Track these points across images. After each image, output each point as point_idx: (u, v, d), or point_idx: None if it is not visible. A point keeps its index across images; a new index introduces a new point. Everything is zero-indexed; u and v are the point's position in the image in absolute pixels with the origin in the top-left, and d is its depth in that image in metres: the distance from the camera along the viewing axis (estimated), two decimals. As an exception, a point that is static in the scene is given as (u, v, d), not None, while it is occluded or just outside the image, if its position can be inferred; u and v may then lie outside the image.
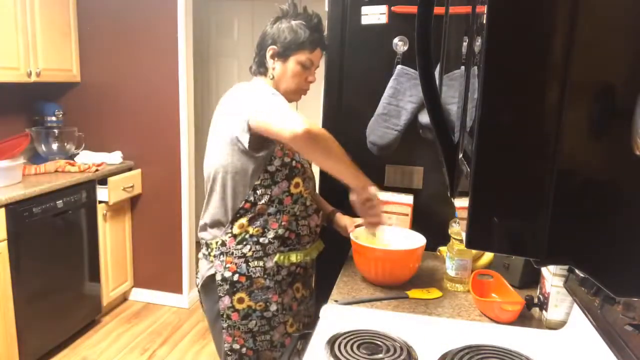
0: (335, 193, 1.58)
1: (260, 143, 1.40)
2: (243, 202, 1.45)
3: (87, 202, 2.95)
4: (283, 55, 1.50)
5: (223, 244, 1.47)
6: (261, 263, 1.46)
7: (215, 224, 1.50)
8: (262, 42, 1.55)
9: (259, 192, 1.44)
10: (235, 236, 1.46)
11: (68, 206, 2.79)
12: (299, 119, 1.29)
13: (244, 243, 1.46)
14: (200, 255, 1.57)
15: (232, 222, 1.46)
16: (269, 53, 1.52)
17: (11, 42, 2.69)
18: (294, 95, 1.57)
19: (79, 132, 3.29)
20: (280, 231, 1.47)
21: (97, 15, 3.24)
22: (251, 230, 1.46)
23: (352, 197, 1.43)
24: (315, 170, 1.64)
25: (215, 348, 1.60)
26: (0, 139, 2.81)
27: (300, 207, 1.51)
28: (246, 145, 1.39)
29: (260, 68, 1.56)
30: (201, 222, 1.55)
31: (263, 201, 1.44)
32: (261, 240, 1.46)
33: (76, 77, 3.28)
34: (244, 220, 1.45)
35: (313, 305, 1.67)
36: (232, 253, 1.46)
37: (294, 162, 1.48)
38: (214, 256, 1.48)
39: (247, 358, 1.50)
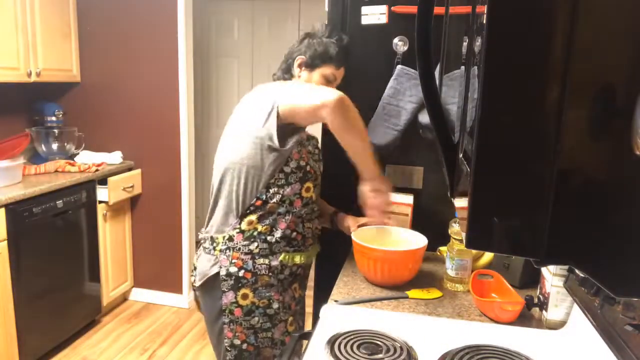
0: (341, 195, 1.58)
1: (285, 134, 1.42)
2: (255, 199, 1.46)
3: (87, 202, 2.95)
4: (311, 65, 1.56)
5: (230, 238, 1.48)
6: (267, 261, 1.48)
7: (223, 218, 1.50)
8: (290, 53, 1.61)
9: (271, 190, 1.46)
10: (243, 232, 1.47)
11: (68, 206, 2.79)
12: (331, 90, 1.38)
13: (252, 240, 1.47)
14: (200, 250, 1.57)
15: (242, 217, 1.47)
16: (297, 62, 1.58)
17: (11, 42, 2.69)
18: None
19: (79, 132, 3.29)
20: (288, 232, 1.50)
21: (97, 16, 3.24)
22: (260, 227, 1.47)
23: (362, 187, 1.49)
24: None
25: (212, 347, 1.60)
26: (0, 139, 2.81)
27: (307, 210, 1.54)
28: (275, 139, 1.40)
29: (286, 74, 1.62)
30: (208, 217, 1.56)
31: (274, 200, 1.46)
32: (269, 238, 1.48)
33: (76, 77, 3.28)
34: (253, 217, 1.46)
35: (304, 306, 1.69)
36: (239, 249, 1.47)
37: (308, 167, 1.51)
38: (220, 250, 1.48)
39: (247, 354, 1.51)
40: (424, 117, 1.68)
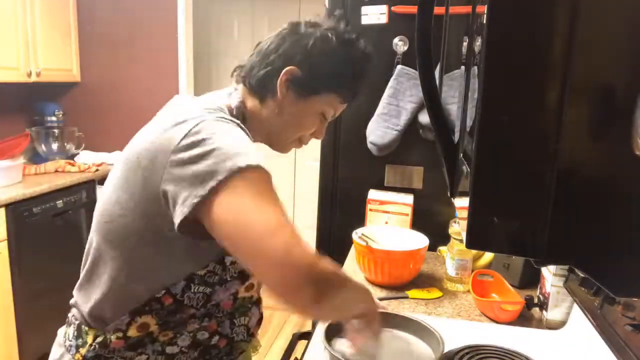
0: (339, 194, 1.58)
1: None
2: (163, 291, 0.86)
3: (87, 202, 2.95)
4: (309, 87, 0.94)
5: (104, 344, 0.89)
6: None
7: (104, 303, 0.89)
8: (268, 52, 0.95)
9: (193, 288, 0.88)
10: (128, 338, 0.89)
11: (68, 206, 2.79)
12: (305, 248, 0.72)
13: (140, 351, 0.90)
14: (64, 327, 1.08)
15: (133, 316, 0.88)
16: (283, 75, 0.93)
17: (11, 42, 2.68)
18: (283, 148, 1.04)
19: (79, 132, 3.29)
20: (202, 337, 0.93)
21: (97, 16, 3.24)
22: (157, 333, 0.90)
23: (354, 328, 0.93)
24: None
25: None
26: (1, 139, 2.81)
27: (242, 308, 0.98)
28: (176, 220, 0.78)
29: (258, 88, 0.95)
30: (83, 279, 0.97)
31: (195, 300, 0.88)
32: (168, 349, 0.91)
33: (76, 77, 3.28)
34: (149, 318, 0.88)
35: None
36: None
37: None
38: (82, 356, 0.92)
39: None
40: (424, 117, 1.68)
